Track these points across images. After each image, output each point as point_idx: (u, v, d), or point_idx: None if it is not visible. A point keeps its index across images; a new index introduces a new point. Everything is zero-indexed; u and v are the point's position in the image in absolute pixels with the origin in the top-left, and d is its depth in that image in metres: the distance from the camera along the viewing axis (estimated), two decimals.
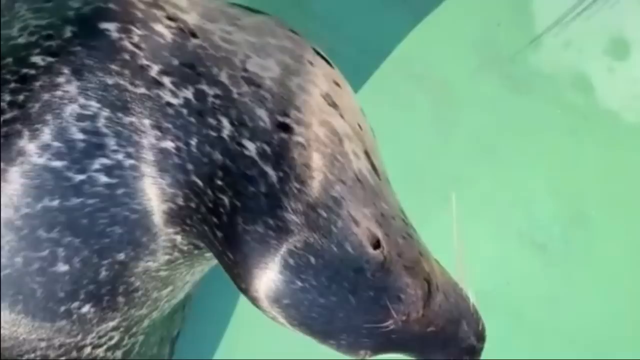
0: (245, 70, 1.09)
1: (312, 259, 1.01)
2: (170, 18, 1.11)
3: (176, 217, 1.10)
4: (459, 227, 1.23)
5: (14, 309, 1.10)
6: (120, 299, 1.16)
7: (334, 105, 1.11)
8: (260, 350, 1.71)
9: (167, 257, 1.16)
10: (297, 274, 1.01)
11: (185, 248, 1.16)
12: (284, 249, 1.01)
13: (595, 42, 1.80)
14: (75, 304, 1.13)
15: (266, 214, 1.02)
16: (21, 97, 1.05)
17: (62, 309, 1.12)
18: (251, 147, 1.04)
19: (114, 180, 1.07)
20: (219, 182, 1.05)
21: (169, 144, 1.06)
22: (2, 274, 1.08)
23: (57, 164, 1.05)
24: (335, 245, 1.02)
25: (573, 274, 1.78)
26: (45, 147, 1.05)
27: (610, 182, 1.80)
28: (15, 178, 1.05)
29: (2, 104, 1.06)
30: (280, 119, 1.06)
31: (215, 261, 1.26)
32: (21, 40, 1.09)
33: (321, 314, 1.03)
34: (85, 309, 1.14)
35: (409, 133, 1.69)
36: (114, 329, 1.21)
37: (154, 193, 1.08)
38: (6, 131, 1.05)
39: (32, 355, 1.16)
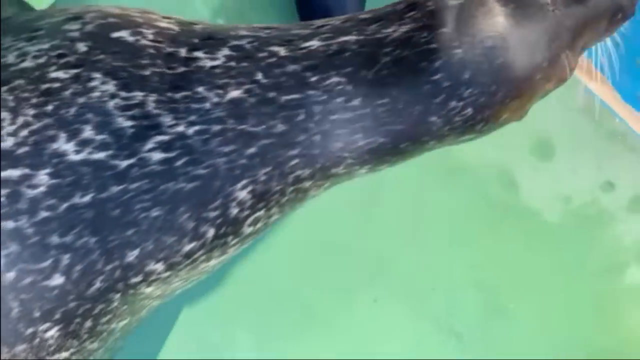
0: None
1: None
2: (165, 17, 1.17)
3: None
4: None
5: None
6: (87, 324, 1.11)
7: None
8: None
9: (189, 246, 1.12)
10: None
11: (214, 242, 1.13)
12: None
13: (522, 140, 1.88)
14: (45, 326, 1.06)
15: None
16: (50, 107, 1.04)
17: (29, 331, 1.05)
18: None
19: (172, 154, 1.06)
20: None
21: (235, 93, 1.09)
22: None
23: (100, 155, 1.04)
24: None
25: None
26: (85, 143, 1.04)
27: (529, 277, 1.85)
28: (43, 181, 1.02)
29: (25, 118, 1.04)
30: None
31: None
32: (27, 64, 1.08)
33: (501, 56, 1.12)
34: (51, 332, 1.07)
35: (339, 210, 1.73)
36: None
37: (228, 148, 1.09)
38: (35, 139, 1.03)
39: None
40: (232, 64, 1.11)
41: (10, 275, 1.02)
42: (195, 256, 1.13)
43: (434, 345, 1.78)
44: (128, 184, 1.05)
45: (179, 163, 1.06)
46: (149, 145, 1.05)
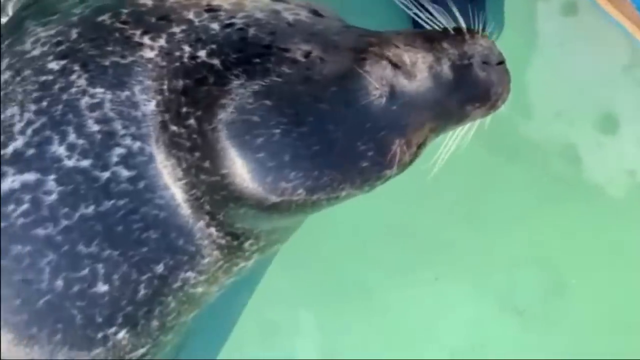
0: (209, 5, 1.12)
1: (267, 102, 1.00)
2: None
3: (195, 198, 1.07)
4: None
5: (52, 339, 1.04)
6: (154, 323, 1.12)
7: (278, 1, 1.15)
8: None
9: (207, 259, 1.11)
10: (268, 123, 1.00)
11: (223, 242, 1.12)
12: (244, 112, 1.00)
13: (586, 115, 1.83)
14: (112, 330, 1.08)
15: (219, 98, 1.02)
16: (45, 104, 1.04)
17: (100, 335, 1.07)
18: (202, 53, 1.06)
19: (132, 173, 1.04)
20: (185, 109, 1.04)
21: (152, 105, 1.05)
22: (42, 300, 1.02)
23: (85, 163, 1.02)
24: (275, 75, 1.02)
25: (549, 341, 1.78)
26: (72, 147, 1.02)
27: (592, 253, 1.82)
28: (53, 187, 1.01)
29: (29, 115, 1.03)
30: (227, 21, 1.09)
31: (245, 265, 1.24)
32: (35, 52, 1.08)
33: (318, 141, 1.01)
34: (121, 334, 1.09)
35: (398, 191, 1.71)
36: (143, 355, 1.16)
37: (167, 176, 1.06)
38: (38, 140, 1.02)
39: None
40: (158, 60, 1.08)
41: (59, 284, 1.02)
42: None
43: (495, 321, 1.78)
44: (115, 199, 1.03)
45: (140, 186, 1.04)
46: (114, 157, 1.03)
